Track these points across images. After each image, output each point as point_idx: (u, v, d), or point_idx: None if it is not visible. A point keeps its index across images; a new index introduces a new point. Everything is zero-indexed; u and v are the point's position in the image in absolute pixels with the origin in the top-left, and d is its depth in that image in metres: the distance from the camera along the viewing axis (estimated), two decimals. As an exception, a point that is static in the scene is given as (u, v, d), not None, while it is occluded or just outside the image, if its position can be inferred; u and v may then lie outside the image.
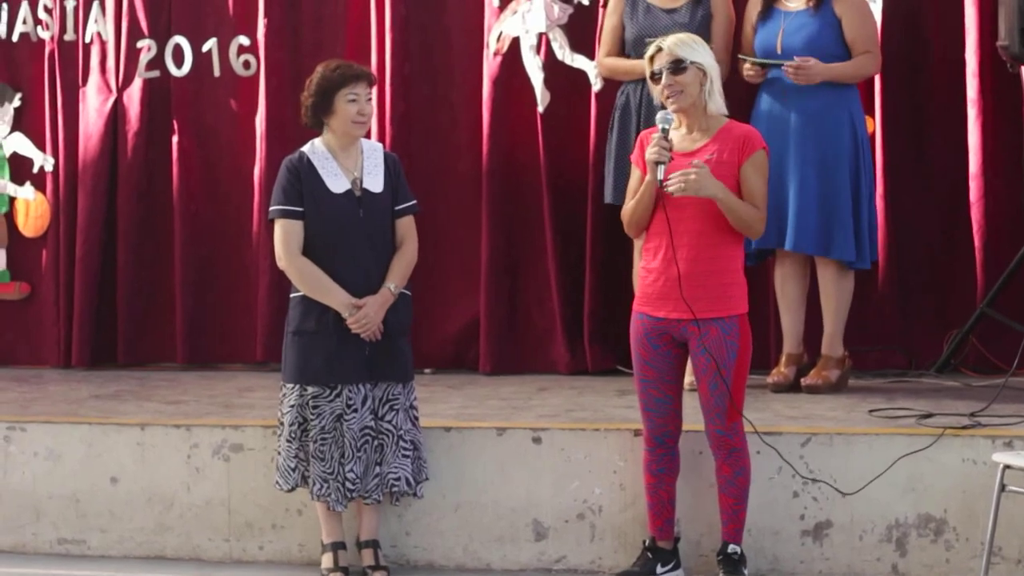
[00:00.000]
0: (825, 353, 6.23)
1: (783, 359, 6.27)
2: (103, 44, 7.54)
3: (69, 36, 7.58)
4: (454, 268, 7.20)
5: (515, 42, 7.04)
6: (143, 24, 7.47)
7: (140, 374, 7.28)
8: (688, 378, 5.11)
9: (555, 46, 7.02)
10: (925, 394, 6.07)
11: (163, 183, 7.47)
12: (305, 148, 5.25)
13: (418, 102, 7.23)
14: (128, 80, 7.49)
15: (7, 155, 7.70)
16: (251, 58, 7.39)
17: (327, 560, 5.27)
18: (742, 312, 4.91)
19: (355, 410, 5.14)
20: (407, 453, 5.22)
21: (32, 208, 7.69)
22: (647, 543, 5.09)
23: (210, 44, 7.43)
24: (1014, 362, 5.65)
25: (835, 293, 6.18)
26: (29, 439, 5.73)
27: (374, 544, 5.30)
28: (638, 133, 5.39)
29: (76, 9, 7.57)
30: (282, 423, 5.23)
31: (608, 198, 6.44)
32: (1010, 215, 6.65)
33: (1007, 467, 4.66)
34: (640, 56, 5.41)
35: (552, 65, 7.01)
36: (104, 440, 5.68)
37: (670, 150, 4.82)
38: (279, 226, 5.17)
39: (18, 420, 5.80)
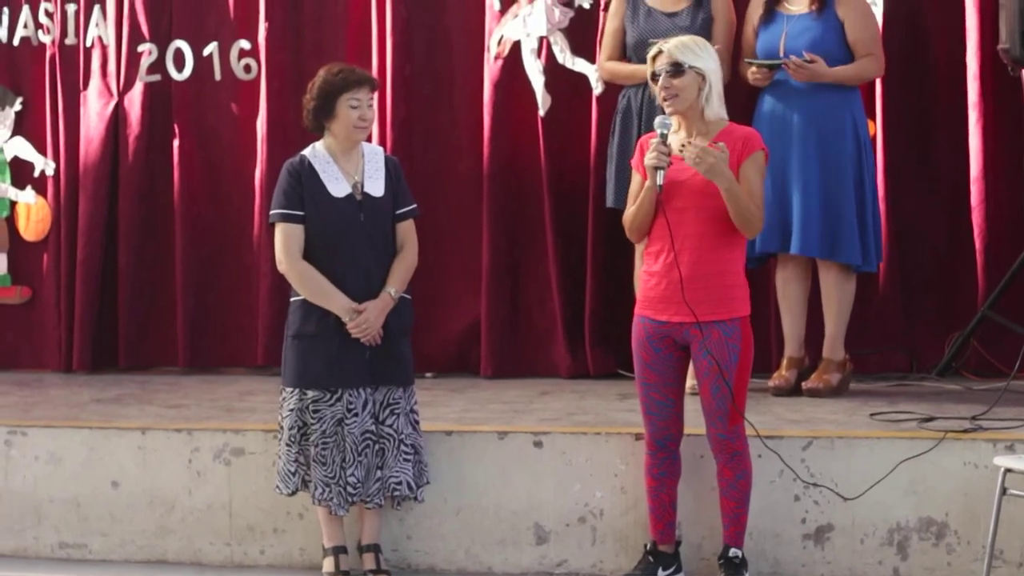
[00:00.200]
0: (826, 356, 6.22)
1: (784, 362, 6.26)
2: (104, 48, 7.53)
3: (70, 40, 7.58)
4: (455, 270, 7.19)
5: (516, 46, 7.03)
6: (144, 28, 7.47)
7: (141, 378, 7.28)
8: (690, 381, 5.11)
9: (556, 50, 7.02)
10: (926, 397, 6.07)
11: (164, 187, 7.46)
12: (306, 151, 5.24)
13: (419, 104, 7.23)
14: (129, 84, 7.48)
15: (8, 159, 7.70)
16: (252, 62, 7.38)
17: (328, 564, 5.26)
18: (744, 314, 4.91)
19: (356, 414, 5.13)
20: (408, 457, 5.21)
21: (33, 212, 7.68)
22: (648, 547, 5.08)
23: (211, 48, 7.43)
24: (1015, 365, 5.63)
25: (837, 296, 6.17)
26: (30, 443, 5.73)
27: (375, 548, 5.29)
28: (639, 137, 5.39)
29: (77, 13, 7.56)
30: (282, 427, 5.22)
31: (610, 202, 6.44)
32: (1011, 218, 6.65)
33: (1008, 471, 4.66)
34: (641, 60, 5.42)
35: (553, 69, 7.01)
36: (105, 444, 5.67)
37: (669, 155, 4.82)
38: (279, 230, 5.17)
39: (19, 424, 5.80)
